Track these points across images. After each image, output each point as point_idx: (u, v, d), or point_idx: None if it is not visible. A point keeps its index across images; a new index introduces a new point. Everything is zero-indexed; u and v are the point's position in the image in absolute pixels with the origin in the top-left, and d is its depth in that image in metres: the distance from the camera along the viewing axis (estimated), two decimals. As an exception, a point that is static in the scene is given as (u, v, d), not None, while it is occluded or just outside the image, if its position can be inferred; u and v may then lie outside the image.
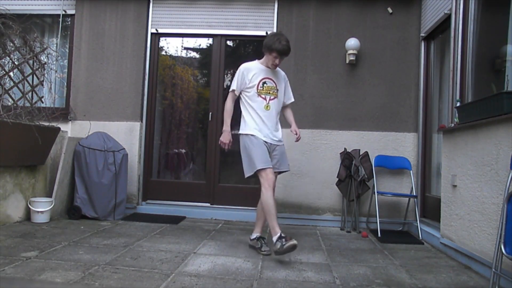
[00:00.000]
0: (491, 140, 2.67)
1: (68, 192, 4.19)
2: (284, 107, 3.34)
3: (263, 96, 3.11)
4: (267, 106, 3.11)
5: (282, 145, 3.22)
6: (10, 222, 3.64)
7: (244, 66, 3.17)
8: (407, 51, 4.43)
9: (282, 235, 2.83)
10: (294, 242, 2.75)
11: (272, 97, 3.14)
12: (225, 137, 3.14)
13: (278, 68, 3.24)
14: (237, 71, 3.17)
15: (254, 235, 3.22)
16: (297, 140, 3.29)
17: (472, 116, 2.88)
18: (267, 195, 2.94)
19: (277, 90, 3.18)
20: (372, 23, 4.48)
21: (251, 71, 3.12)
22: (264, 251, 3.05)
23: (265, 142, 3.07)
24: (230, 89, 3.19)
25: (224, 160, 4.75)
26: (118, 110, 4.70)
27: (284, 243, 2.74)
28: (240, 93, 3.17)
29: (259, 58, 3.22)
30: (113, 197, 4.11)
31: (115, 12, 4.77)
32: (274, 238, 2.84)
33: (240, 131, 3.14)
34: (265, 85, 3.12)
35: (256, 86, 3.10)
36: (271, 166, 3.03)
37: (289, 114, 3.41)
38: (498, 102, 2.52)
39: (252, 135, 3.06)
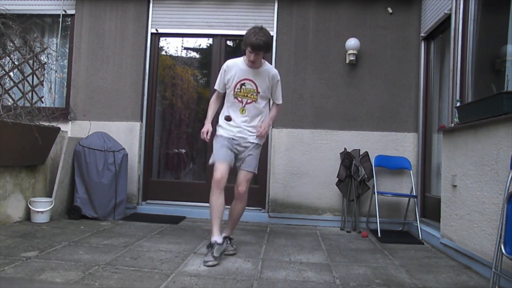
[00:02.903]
0: (491, 140, 2.67)
1: (68, 192, 4.18)
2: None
3: (239, 98, 2.93)
4: (243, 110, 2.93)
5: (253, 147, 2.97)
6: (10, 222, 3.64)
7: (226, 64, 2.99)
8: (407, 51, 4.43)
9: (218, 241, 2.72)
10: (214, 262, 2.61)
11: (249, 101, 2.93)
12: (204, 127, 2.97)
13: (267, 67, 2.98)
14: (220, 69, 3.02)
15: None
16: (257, 136, 2.95)
17: (472, 116, 2.88)
18: (211, 193, 2.83)
19: (258, 93, 2.92)
20: (372, 23, 4.48)
21: (230, 71, 2.93)
22: (207, 261, 2.67)
23: (233, 139, 2.93)
24: (215, 87, 3.06)
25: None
26: (118, 110, 4.70)
27: (209, 257, 2.64)
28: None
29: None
30: (113, 197, 4.11)
31: (115, 12, 4.77)
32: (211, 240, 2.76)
33: (217, 126, 3.03)
34: (243, 87, 2.91)
35: (233, 88, 2.92)
36: (226, 162, 2.85)
37: (271, 112, 3.12)
38: (498, 102, 2.52)
39: (219, 134, 2.96)
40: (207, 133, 2.96)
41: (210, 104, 3.09)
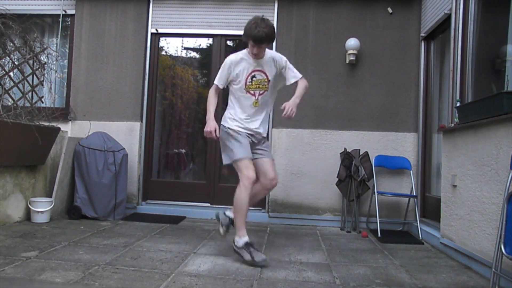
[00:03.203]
0: (491, 140, 2.67)
1: (68, 192, 4.19)
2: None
3: (251, 92, 2.85)
4: (256, 102, 2.87)
5: (266, 141, 3.04)
6: (10, 222, 3.64)
7: (230, 59, 2.87)
8: (407, 51, 4.43)
9: (251, 242, 2.73)
10: (265, 260, 2.64)
11: (261, 92, 2.87)
12: (209, 125, 2.82)
13: (271, 53, 2.92)
14: (223, 64, 2.89)
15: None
16: (284, 116, 2.79)
17: (472, 116, 2.88)
18: (242, 191, 2.72)
19: (268, 81, 2.88)
20: (372, 23, 4.48)
21: (238, 66, 2.83)
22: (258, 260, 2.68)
23: (248, 134, 2.88)
24: (214, 82, 2.91)
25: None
26: (118, 110, 4.70)
27: (255, 256, 2.64)
28: (229, 83, 2.92)
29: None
30: (113, 197, 4.11)
31: (115, 12, 4.77)
32: (240, 242, 2.73)
33: (223, 122, 2.93)
34: (254, 79, 2.84)
35: (244, 82, 2.83)
36: (251, 158, 2.79)
37: (298, 88, 2.96)
38: (498, 102, 2.52)
39: (233, 129, 2.85)
40: (215, 131, 2.83)
41: (210, 99, 2.91)
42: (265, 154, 2.94)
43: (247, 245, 2.72)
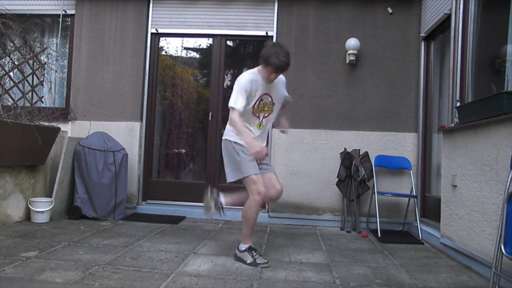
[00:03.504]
0: (491, 140, 2.67)
1: (68, 192, 4.18)
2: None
3: (256, 115, 2.83)
4: (260, 125, 2.87)
5: (267, 155, 3.01)
6: (10, 222, 3.64)
7: (246, 79, 2.76)
8: (407, 51, 4.43)
9: (255, 248, 2.83)
10: (267, 263, 2.71)
11: (266, 114, 2.87)
12: (258, 145, 2.75)
13: (279, 78, 2.89)
14: (239, 85, 2.75)
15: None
16: (282, 131, 3.09)
17: (472, 116, 2.88)
18: (253, 204, 2.74)
19: (273, 104, 2.88)
20: (372, 23, 4.48)
21: (252, 87, 2.75)
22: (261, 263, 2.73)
23: None
24: (233, 106, 2.72)
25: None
26: (118, 110, 4.70)
27: (257, 258, 2.71)
28: None
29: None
30: (113, 197, 4.11)
31: (115, 12, 4.77)
32: (243, 247, 2.80)
33: (227, 137, 2.86)
34: (261, 102, 2.82)
35: (252, 104, 2.78)
36: (259, 174, 2.78)
37: (285, 108, 3.06)
38: (498, 102, 2.52)
39: (240, 144, 2.79)
40: (266, 151, 2.89)
41: (239, 122, 2.73)
42: (269, 169, 2.96)
43: (250, 248, 2.78)
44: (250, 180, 2.74)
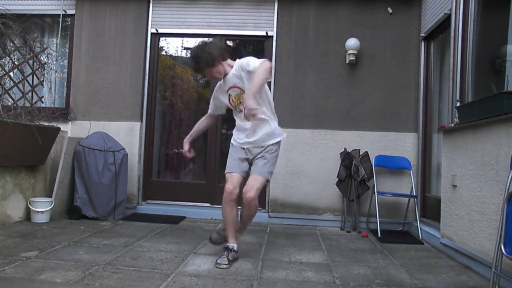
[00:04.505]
0: (491, 140, 2.67)
1: (68, 192, 4.18)
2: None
3: (238, 109, 2.82)
4: (246, 116, 2.76)
5: (265, 155, 2.81)
6: (10, 222, 3.64)
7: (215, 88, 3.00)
8: (407, 51, 4.43)
9: (234, 248, 2.76)
10: (228, 266, 2.63)
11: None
12: (251, 103, 2.41)
13: (237, 63, 2.75)
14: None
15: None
16: (247, 112, 2.57)
17: (472, 116, 2.88)
18: (223, 202, 2.76)
19: (243, 92, 2.73)
20: (372, 23, 4.48)
21: (218, 90, 2.96)
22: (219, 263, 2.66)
23: (244, 149, 2.84)
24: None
25: (224, 160, 4.74)
26: (118, 110, 4.70)
27: (225, 260, 2.65)
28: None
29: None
30: (113, 197, 4.11)
31: (115, 12, 4.77)
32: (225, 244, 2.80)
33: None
34: (231, 97, 2.83)
35: (228, 102, 2.87)
36: (236, 172, 2.78)
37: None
38: (498, 102, 2.52)
39: (232, 143, 2.93)
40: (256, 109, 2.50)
41: (198, 123, 3.17)
42: (254, 169, 2.81)
43: (226, 248, 2.77)
44: (226, 177, 2.83)
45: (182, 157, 5.03)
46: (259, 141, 2.82)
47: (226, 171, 2.85)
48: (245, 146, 2.84)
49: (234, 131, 2.97)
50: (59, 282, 2.21)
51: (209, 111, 3.10)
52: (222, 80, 2.87)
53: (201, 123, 3.15)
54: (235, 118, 2.93)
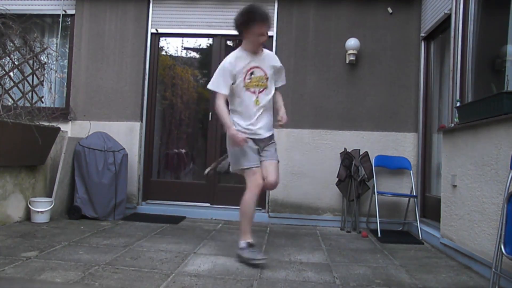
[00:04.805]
0: (491, 140, 2.67)
1: (68, 192, 4.18)
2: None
3: (251, 89, 2.73)
4: (257, 101, 2.73)
5: (273, 142, 2.91)
6: (10, 222, 3.64)
7: (227, 61, 2.74)
8: (407, 51, 4.43)
9: (253, 243, 2.76)
10: (263, 258, 2.66)
11: (261, 89, 2.75)
12: (237, 137, 2.64)
13: (267, 51, 2.85)
14: (219, 68, 2.76)
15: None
16: (282, 124, 2.85)
17: (472, 116, 2.88)
18: (250, 197, 2.72)
19: (267, 79, 2.77)
20: (372, 23, 4.48)
21: (237, 65, 2.71)
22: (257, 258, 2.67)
23: (254, 140, 2.78)
24: (215, 90, 2.76)
25: (224, 160, 4.75)
26: (118, 110, 4.70)
27: (256, 256, 2.65)
28: None
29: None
30: (113, 197, 4.11)
31: (115, 12, 4.77)
32: (242, 243, 2.74)
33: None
34: (252, 76, 2.72)
35: (243, 78, 2.71)
36: (259, 165, 2.76)
37: (278, 98, 2.93)
38: (498, 102, 2.52)
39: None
40: (245, 139, 2.69)
41: (222, 108, 2.73)
42: (268, 156, 2.84)
43: (249, 245, 2.75)
44: (247, 172, 2.75)
45: (182, 157, 5.05)
46: (264, 129, 2.81)
47: (247, 165, 2.73)
48: (254, 138, 2.78)
49: (236, 120, 2.80)
50: (59, 282, 2.21)
51: (224, 91, 2.73)
52: (249, 55, 2.75)
53: (224, 106, 2.78)
54: (239, 98, 2.76)
